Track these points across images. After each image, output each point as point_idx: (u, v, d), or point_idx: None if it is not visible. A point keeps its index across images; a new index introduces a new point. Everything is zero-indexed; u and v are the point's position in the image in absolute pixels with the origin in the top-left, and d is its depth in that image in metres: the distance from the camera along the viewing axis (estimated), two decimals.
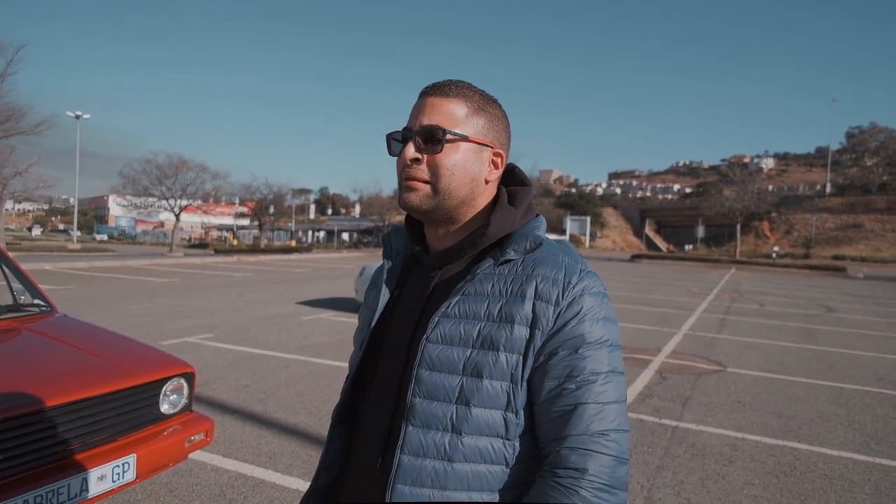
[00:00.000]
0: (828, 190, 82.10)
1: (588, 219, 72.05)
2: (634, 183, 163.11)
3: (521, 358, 0.92)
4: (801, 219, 69.24)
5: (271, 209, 49.50)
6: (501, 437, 0.92)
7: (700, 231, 59.44)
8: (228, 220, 69.82)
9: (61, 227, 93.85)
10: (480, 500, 0.92)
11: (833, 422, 5.05)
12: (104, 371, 2.69)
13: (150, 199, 38.68)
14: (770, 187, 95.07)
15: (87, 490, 2.37)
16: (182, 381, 2.95)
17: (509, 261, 0.98)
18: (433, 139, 0.97)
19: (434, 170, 0.97)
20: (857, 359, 8.02)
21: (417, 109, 1.00)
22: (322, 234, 69.87)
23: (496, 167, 1.03)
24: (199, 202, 45.26)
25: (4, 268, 3.64)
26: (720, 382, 6.28)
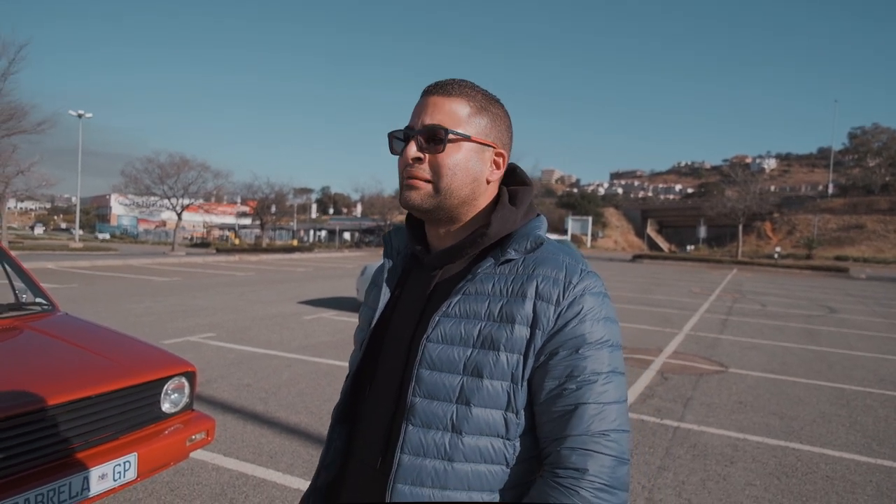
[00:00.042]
0: (830, 190, 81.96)
1: (590, 219, 72.00)
2: (636, 183, 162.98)
3: (521, 358, 0.92)
4: (804, 219, 69.09)
5: (273, 208, 49.52)
6: (502, 437, 0.92)
7: (702, 231, 59.36)
8: (230, 220, 69.92)
9: (64, 225, 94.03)
10: (481, 500, 0.92)
11: (835, 423, 5.04)
12: (105, 370, 2.69)
13: (152, 199, 38.74)
14: (772, 188, 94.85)
15: (88, 489, 2.38)
16: (183, 380, 2.95)
17: (510, 260, 0.97)
18: (435, 139, 0.96)
19: (436, 169, 0.97)
20: (859, 360, 8.00)
21: (419, 108, 0.99)
22: (324, 233, 69.93)
23: (498, 167, 1.03)
24: (201, 201, 45.33)
25: (6, 266, 3.65)
26: (722, 383, 6.27)
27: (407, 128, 1.00)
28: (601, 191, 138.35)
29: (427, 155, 0.97)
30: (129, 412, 2.66)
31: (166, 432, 2.79)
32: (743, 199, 49.75)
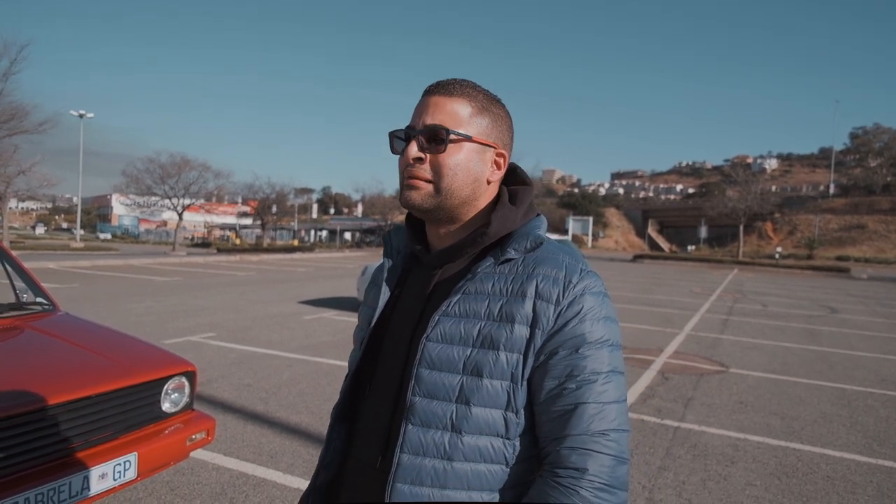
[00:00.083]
0: (831, 190, 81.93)
1: (590, 219, 72.02)
2: (637, 183, 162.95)
3: (521, 357, 0.92)
4: (805, 219, 69.06)
5: (274, 208, 49.56)
6: (501, 437, 0.92)
7: (703, 231, 59.38)
8: (231, 220, 69.96)
9: (65, 225, 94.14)
10: (480, 500, 0.92)
11: (835, 423, 5.04)
12: (106, 369, 2.69)
13: (153, 198, 38.78)
14: (773, 188, 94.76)
15: (88, 488, 2.38)
16: (183, 379, 2.95)
17: (510, 260, 0.97)
18: (436, 139, 0.96)
19: (437, 169, 0.97)
20: (860, 360, 7.99)
21: (421, 108, 0.99)
22: (324, 233, 69.96)
23: (499, 167, 1.03)
24: (202, 201, 45.35)
25: (7, 266, 3.65)
26: (722, 383, 6.27)
27: (408, 127, 1.00)
28: (602, 191, 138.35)
29: (428, 155, 0.97)
30: (129, 412, 2.66)
31: (166, 432, 2.79)
32: (744, 199, 49.72)
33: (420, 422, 0.93)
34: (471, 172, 0.99)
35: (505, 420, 0.92)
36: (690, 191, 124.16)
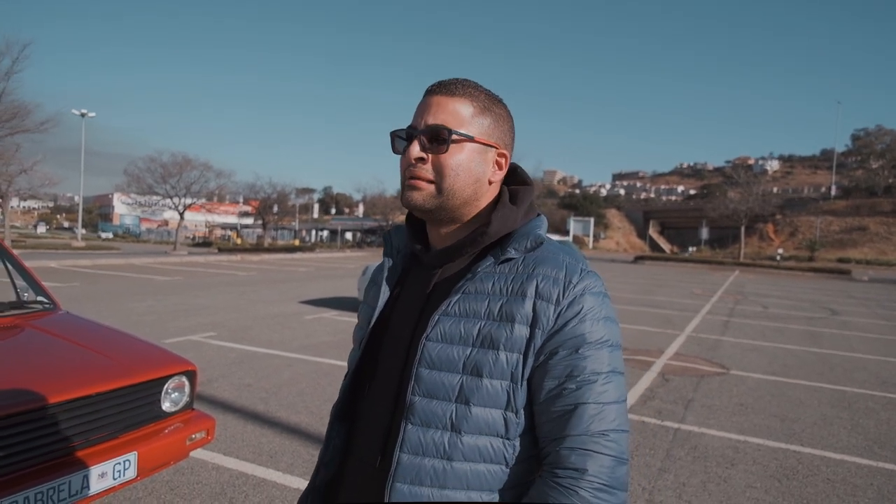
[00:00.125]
0: (833, 192, 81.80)
1: (591, 220, 72.01)
2: (638, 184, 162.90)
3: (521, 357, 0.92)
4: (806, 221, 68.98)
5: (275, 208, 49.61)
6: (501, 437, 0.92)
7: (704, 233, 59.28)
8: (232, 219, 70.02)
9: (66, 224, 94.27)
10: (479, 500, 0.91)
11: (836, 425, 5.03)
12: (106, 368, 2.69)
13: (155, 198, 38.85)
14: (775, 189, 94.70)
15: (87, 487, 2.38)
16: (184, 379, 2.95)
17: (510, 259, 0.97)
18: (439, 139, 0.96)
19: (439, 169, 0.97)
20: (860, 362, 7.98)
21: (422, 108, 0.99)
22: (325, 233, 70.02)
23: (500, 168, 1.03)
24: (203, 201, 45.46)
25: (8, 265, 3.65)
26: (723, 385, 6.26)
27: (410, 127, 1.00)
28: (603, 192, 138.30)
29: (430, 155, 0.97)
30: (129, 411, 2.66)
31: (166, 431, 2.79)
32: (745, 200, 49.67)
33: (420, 421, 0.93)
34: (473, 173, 0.99)
35: (505, 420, 0.92)
36: (692, 192, 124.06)
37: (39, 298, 3.47)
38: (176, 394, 2.92)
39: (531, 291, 0.93)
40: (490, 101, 1.01)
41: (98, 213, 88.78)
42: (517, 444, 0.93)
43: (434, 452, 0.92)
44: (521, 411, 0.92)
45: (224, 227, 72.71)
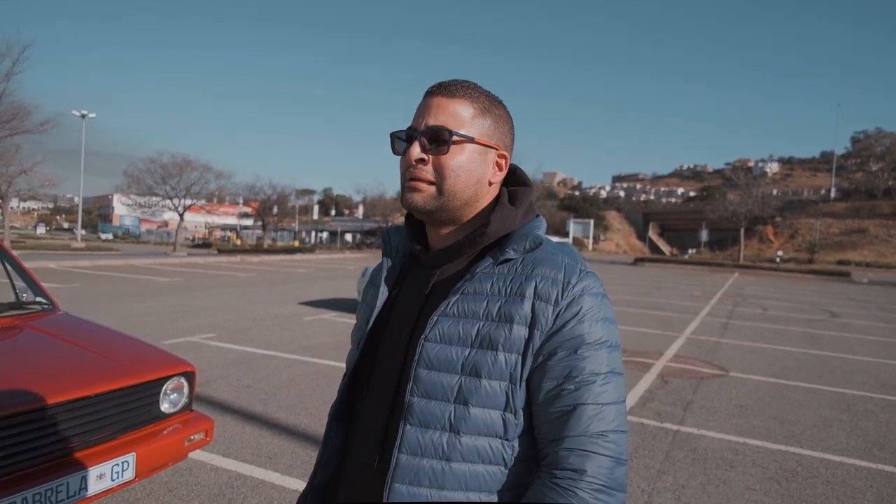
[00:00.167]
0: (832, 195, 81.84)
1: (591, 222, 71.96)
2: (638, 186, 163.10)
3: (520, 358, 0.91)
4: (806, 223, 68.98)
5: (275, 209, 49.59)
6: (500, 438, 0.92)
7: (704, 235, 59.23)
8: (232, 220, 70.00)
9: (66, 225, 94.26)
10: (478, 501, 0.91)
11: (835, 427, 5.03)
12: (105, 369, 2.69)
13: (155, 199, 38.78)
14: (774, 191, 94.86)
15: (86, 488, 2.37)
16: (182, 380, 2.95)
17: (509, 260, 0.97)
18: (439, 140, 0.96)
19: (440, 171, 0.97)
20: (860, 364, 7.98)
21: (423, 109, 0.99)
22: (325, 234, 69.96)
23: (500, 169, 1.03)
24: (203, 202, 45.38)
25: (7, 265, 3.65)
26: (722, 387, 6.26)
27: (410, 128, 1.00)
28: (603, 194, 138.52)
29: (431, 156, 0.97)
30: (127, 412, 2.66)
31: (165, 432, 2.79)
32: (745, 202, 49.66)
33: (418, 422, 0.93)
34: (473, 174, 0.99)
35: (503, 421, 0.92)
36: (691, 194, 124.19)
37: (38, 299, 3.47)
38: (174, 395, 2.92)
39: (530, 292, 0.93)
40: (490, 103, 1.01)
41: (98, 214, 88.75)
42: (516, 444, 0.93)
43: (433, 453, 0.91)
44: (520, 412, 0.92)
45: (224, 228, 72.67)
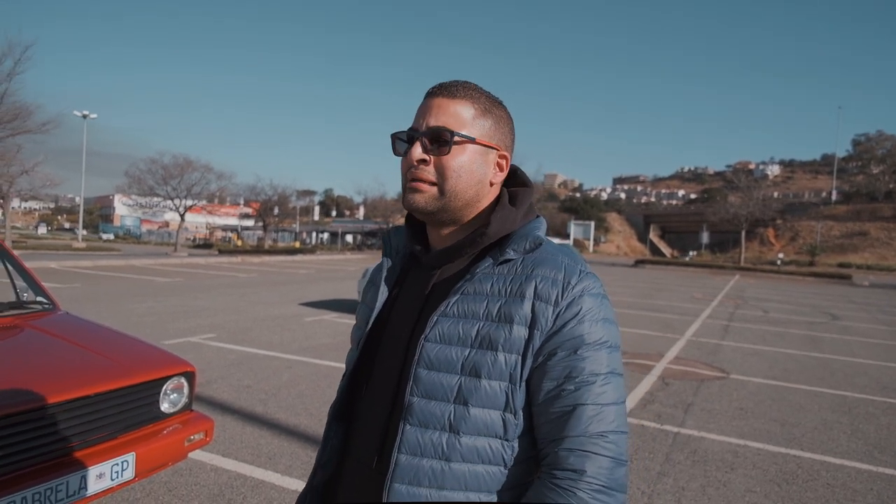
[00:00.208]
0: (833, 197, 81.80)
1: (592, 223, 71.91)
2: (639, 188, 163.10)
3: (519, 358, 0.91)
4: (807, 226, 68.96)
5: (276, 210, 49.59)
6: (500, 438, 0.92)
7: (704, 237, 59.22)
8: (233, 221, 70.07)
9: (67, 225, 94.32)
10: (478, 501, 0.91)
11: (836, 430, 5.02)
12: (105, 369, 2.69)
13: (156, 199, 38.86)
14: (775, 194, 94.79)
15: (85, 488, 2.37)
16: (182, 380, 2.95)
17: (509, 260, 0.97)
18: (441, 140, 0.96)
19: (441, 171, 0.97)
20: (861, 367, 7.97)
21: (424, 110, 0.99)
22: (326, 235, 69.97)
23: (501, 169, 1.03)
24: (204, 202, 45.47)
25: (8, 265, 3.65)
26: (723, 389, 6.25)
27: (411, 129, 1.00)
28: (604, 195, 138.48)
29: (432, 157, 0.97)
30: (127, 412, 2.66)
31: (165, 432, 2.79)
32: (746, 205, 49.60)
33: (418, 422, 0.93)
34: (474, 174, 0.99)
35: (503, 421, 0.92)
36: (692, 196, 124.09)
37: (39, 299, 3.47)
38: (175, 395, 2.92)
39: (530, 292, 0.93)
40: (491, 103, 1.02)
41: (99, 215, 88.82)
42: (516, 445, 0.93)
43: (432, 453, 0.91)
44: (520, 412, 0.92)
45: (225, 228, 72.73)
